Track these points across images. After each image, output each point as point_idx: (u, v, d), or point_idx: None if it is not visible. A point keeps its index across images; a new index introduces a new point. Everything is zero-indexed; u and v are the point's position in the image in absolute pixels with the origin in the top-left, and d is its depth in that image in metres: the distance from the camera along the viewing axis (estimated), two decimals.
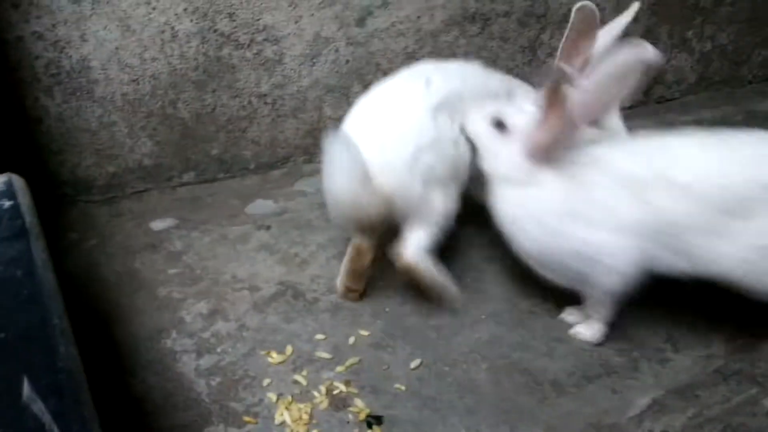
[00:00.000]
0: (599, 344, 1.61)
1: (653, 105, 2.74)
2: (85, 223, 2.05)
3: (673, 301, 1.72)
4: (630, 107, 2.72)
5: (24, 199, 1.28)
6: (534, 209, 1.57)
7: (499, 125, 1.61)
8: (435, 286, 1.69)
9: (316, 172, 2.27)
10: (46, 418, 0.86)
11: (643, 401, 1.47)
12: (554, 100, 1.45)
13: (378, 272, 1.83)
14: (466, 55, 2.32)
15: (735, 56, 2.84)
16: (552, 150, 1.53)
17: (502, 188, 1.62)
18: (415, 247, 1.65)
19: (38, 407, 0.86)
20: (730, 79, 2.88)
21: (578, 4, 1.56)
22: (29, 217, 1.24)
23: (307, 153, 2.32)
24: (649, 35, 2.60)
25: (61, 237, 1.97)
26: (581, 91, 1.42)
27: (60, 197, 2.11)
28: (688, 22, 2.67)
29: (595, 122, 1.62)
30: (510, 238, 1.63)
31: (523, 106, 1.62)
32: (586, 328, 1.65)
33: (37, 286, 1.07)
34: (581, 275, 1.55)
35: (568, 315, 1.70)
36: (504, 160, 1.61)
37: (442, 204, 1.66)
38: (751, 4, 2.72)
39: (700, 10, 2.65)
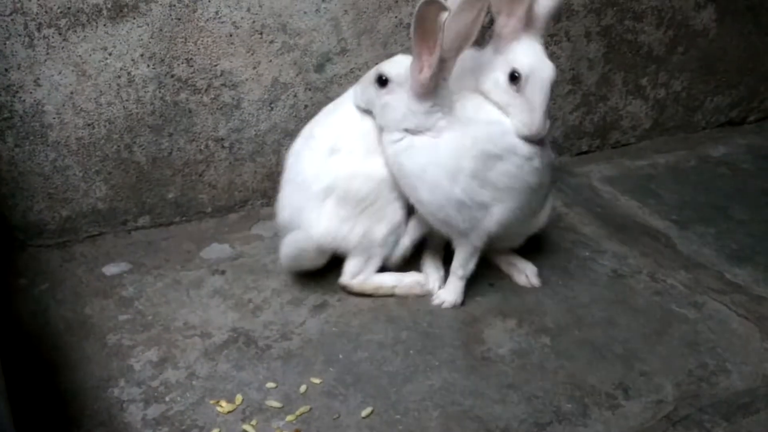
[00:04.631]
0: (551, 390, 1.61)
1: (609, 150, 2.80)
2: (35, 267, 2.01)
3: (625, 346, 1.73)
4: (587, 152, 2.79)
5: None
6: (436, 156, 1.70)
7: (382, 81, 1.72)
8: (382, 291, 1.90)
9: (274, 215, 2.26)
10: None
11: None
12: (424, 32, 1.56)
13: (333, 318, 1.82)
14: None
15: (688, 102, 2.91)
16: (434, 82, 1.65)
17: (403, 140, 1.73)
18: (348, 273, 1.88)
19: None
20: (684, 124, 2.95)
21: None
22: None
23: (265, 196, 2.32)
24: (604, 82, 2.66)
25: (10, 282, 1.93)
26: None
27: (10, 241, 2.07)
28: (643, 69, 2.74)
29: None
30: (410, 189, 1.76)
31: (397, 58, 1.75)
32: (448, 293, 1.87)
33: None
34: (473, 221, 1.75)
35: (436, 299, 1.89)
36: (397, 107, 1.71)
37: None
38: (702, 53, 2.80)
39: (654, 58, 2.72)
